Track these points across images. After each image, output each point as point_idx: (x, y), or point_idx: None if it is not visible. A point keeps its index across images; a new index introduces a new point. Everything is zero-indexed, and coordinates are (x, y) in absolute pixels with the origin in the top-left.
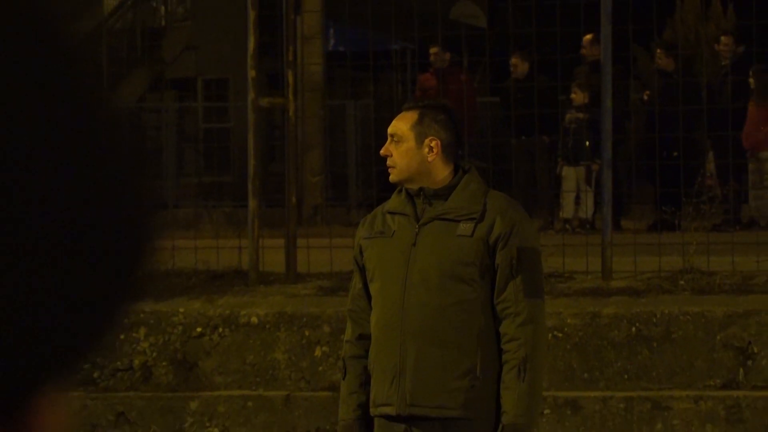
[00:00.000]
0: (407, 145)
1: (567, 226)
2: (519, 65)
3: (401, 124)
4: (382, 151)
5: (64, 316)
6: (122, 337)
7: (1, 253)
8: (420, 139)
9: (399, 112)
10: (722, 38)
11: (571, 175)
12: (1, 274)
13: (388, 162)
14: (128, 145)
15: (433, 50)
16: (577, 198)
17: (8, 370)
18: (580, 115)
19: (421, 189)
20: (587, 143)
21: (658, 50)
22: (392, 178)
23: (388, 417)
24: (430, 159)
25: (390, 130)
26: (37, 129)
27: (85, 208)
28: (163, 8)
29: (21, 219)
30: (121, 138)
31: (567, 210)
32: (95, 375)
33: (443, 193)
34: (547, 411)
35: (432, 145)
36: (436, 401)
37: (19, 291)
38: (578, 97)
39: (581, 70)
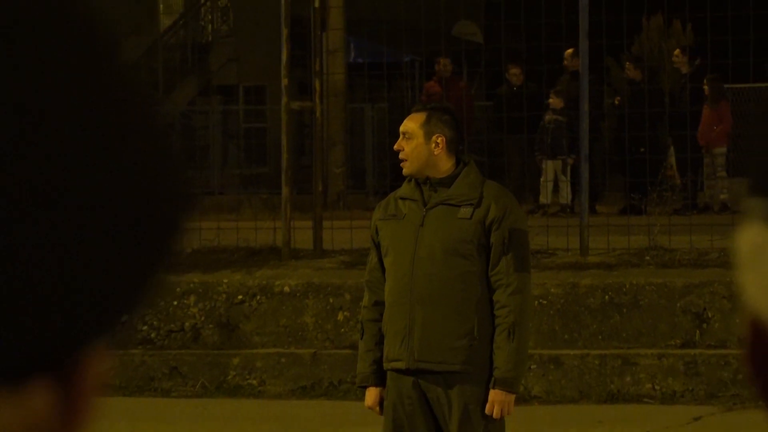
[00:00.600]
0: (417, 141)
1: (546, 209)
2: (518, 74)
3: (411, 124)
4: (395, 147)
5: (105, 284)
6: (175, 303)
7: (59, 230)
8: (428, 136)
9: (409, 113)
10: (675, 52)
11: (549, 168)
12: (58, 248)
13: (401, 155)
14: (163, 147)
15: (443, 61)
16: (555, 186)
17: (59, 330)
18: (557, 117)
19: (427, 178)
20: (564, 141)
21: (628, 62)
22: (405, 170)
23: (398, 371)
24: (436, 153)
25: (402, 128)
26: (93, 121)
27: (127, 191)
28: (210, 26)
29: (73, 197)
30: (157, 139)
31: (545, 196)
32: (152, 335)
33: (446, 181)
34: (533, 366)
35: (438, 141)
36: (440, 358)
37: (68, 262)
38: (555, 102)
39: (563, 79)
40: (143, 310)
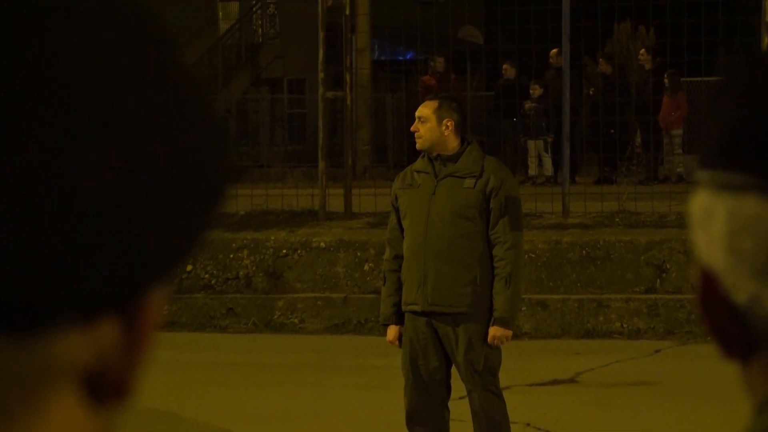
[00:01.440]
0: (430, 124)
1: (534, 180)
2: (508, 70)
3: (426, 109)
4: (412, 128)
5: (164, 240)
6: (231, 256)
7: (134, 193)
8: (439, 120)
9: (423, 101)
10: (641, 51)
11: (531, 146)
12: (136, 212)
13: (417, 135)
14: (211, 126)
15: (438, 59)
16: (541, 161)
17: (127, 276)
18: (535, 105)
19: (438, 155)
20: (542, 123)
21: (601, 60)
22: (418, 146)
23: (414, 312)
24: (446, 134)
25: (417, 113)
26: (165, 99)
27: (184, 163)
28: (260, 30)
29: (144, 167)
30: (206, 117)
31: (533, 169)
32: (212, 282)
33: (454, 158)
34: (524, 308)
35: (447, 124)
36: (449, 302)
37: (140, 224)
38: (536, 91)
39: (549, 74)
40: (193, 262)
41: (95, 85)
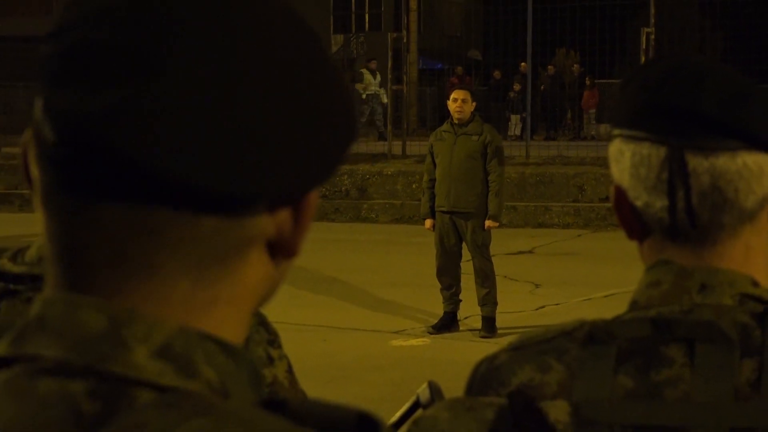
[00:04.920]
0: (467, 104)
1: (510, 137)
2: (497, 74)
3: (465, 95)
4: (457, 106)
5: (320, 161)
6: (337, 179)
7: (308, 133)
8: (471, 101)
9: (453, 91)
10: (573, 65)
11: (513, 119)
12: (306, 144)
13: (459, 110)
14: (345, 94)
15: (458, 68)
16: (516, 127)
17: (300, 181)
18: (515, 95)
19: (458, 121)
20: (519, 105)
21: (549, 67)
22: (459, 115)
23: (442, 211)
24: (471, 110)
25: (461, 96)
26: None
27: (337, 115)
28: (354, 50)
29: (317, 114)
30: (342, 90)
31: (511, 131)
32: (325, 193)
33: (466, 123)
34: (504, 210)
35: (473, 104)
36: (462, 205)
37: (307, 150)
38: (515, 87)
39: (519, 77)
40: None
41: (289, 71)
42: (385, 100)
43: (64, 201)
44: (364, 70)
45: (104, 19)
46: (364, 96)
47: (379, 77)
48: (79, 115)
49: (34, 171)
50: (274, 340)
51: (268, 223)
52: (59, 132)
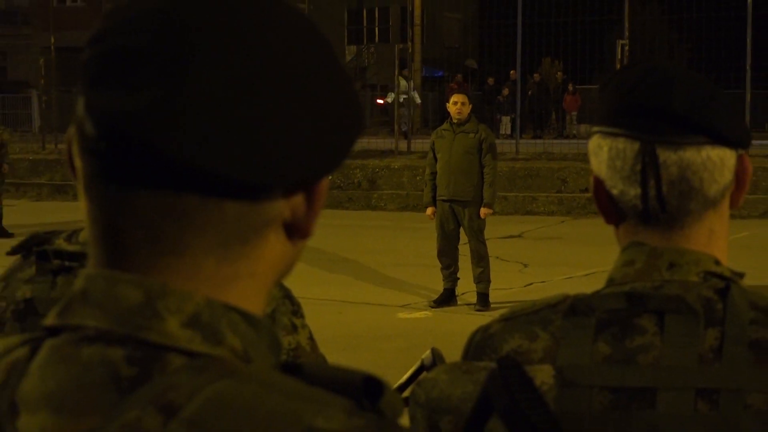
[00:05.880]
0: (466, 106)
1: (502, 136)
2: (490, 81)
3: (465, 98)
4: (457, 108)
5: (330, 151)
6: (349, 172)
7: (319, 126)
8: (469, 104)
9: (458, 93)
10: (557, 73)
11: (503, 120)
12: (318, 135)
13: (459, 112)
14: (352, 93)
15: (457, 76)
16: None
17: (314, 170)
18: (504, 99)
19: (456, 121)
20: (508, 107)
21: (536, 74)
22: (459, 116)
23: (442, 200)
24: (469, 111)
25: (461, 99)
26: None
27: (345, 107)
28: (365, 59)
29: (325, 106)
30: (349, 89)
31: (501, 129)
32: (339, 183)
33: (464, 123)
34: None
35: (470, 106)
36: (460, 195)
37: (319, 141)
38: (505, 92)
39: (510, 83)
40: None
41: (304, 73)
42: (418, 100)
43: (104, 189)
44: (400, 78)
45: (137, 27)
46: (401, 100)
47: (412, 82)
48: (117, 113)
49: (78, 162)
50: (297, 310)
51: (284, 207)
52: (99, 128)
